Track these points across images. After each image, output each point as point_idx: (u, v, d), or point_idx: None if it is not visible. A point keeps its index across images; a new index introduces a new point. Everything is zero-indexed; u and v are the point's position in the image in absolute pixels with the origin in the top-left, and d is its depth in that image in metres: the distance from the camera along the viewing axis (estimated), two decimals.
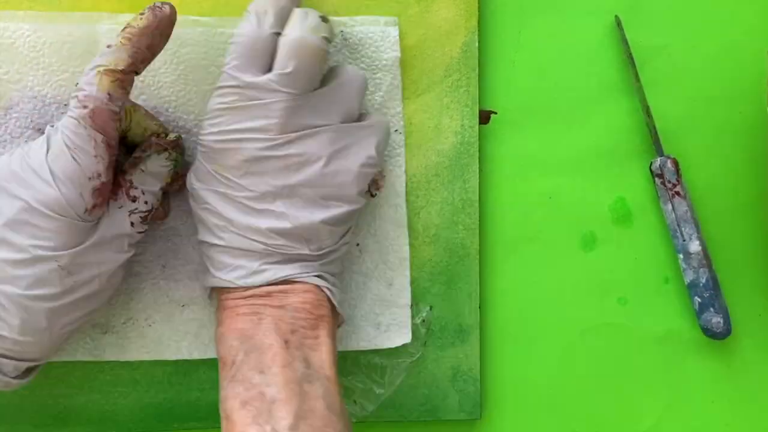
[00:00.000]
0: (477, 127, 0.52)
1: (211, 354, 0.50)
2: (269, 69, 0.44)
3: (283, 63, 0.44)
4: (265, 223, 0.45)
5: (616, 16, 0.53)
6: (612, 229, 0.54)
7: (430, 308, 0.52)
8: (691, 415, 0.55)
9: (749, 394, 0.55)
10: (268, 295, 0.45)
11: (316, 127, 0.45)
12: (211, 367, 0.51)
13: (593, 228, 0.54)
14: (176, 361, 0.51)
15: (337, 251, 0.47)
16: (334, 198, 0.46)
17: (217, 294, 0.47)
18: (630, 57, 0.53)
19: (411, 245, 0.52)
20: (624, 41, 0.53)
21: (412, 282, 0.52)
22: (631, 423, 0.55)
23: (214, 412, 0.44)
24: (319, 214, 0.45)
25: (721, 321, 0.53)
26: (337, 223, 0.46)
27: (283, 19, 0.45)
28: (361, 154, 0.46)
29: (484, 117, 0.53)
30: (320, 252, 0.46)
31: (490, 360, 0.54)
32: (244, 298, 0.45)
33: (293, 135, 0.44)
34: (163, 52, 0.45)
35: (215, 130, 0.45)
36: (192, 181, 0.46)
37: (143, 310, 0.50)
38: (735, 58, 0.53)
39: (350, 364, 0.52)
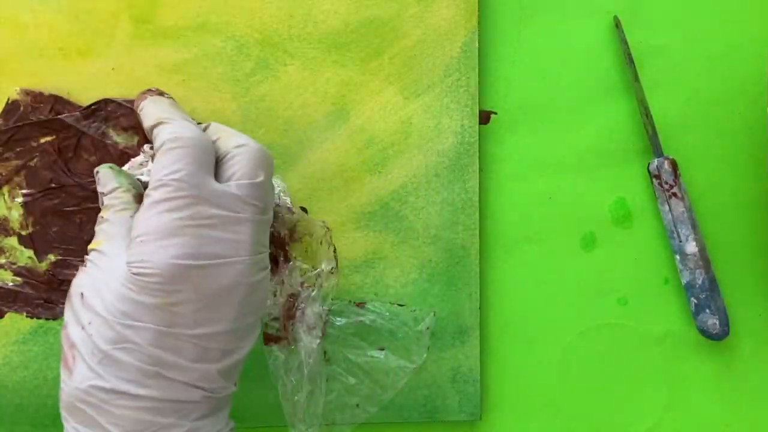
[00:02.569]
0: (477, 127, 0.52)
1: None
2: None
3: (252, 173, 0.40)
4: (215, 363, 0.38)
5: (615, 17, 0.53)
6: (612, 230, 0.54)
7: (434, 314, 0.52)
8: (691, 415, 0.55)
9: (749, 394, 0.55)
10: None
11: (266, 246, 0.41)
12: None
13: (593, 228, 0.54)
14: None
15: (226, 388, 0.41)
16: (255, 313, 0.41)
17: None
18: (629, 57, 0.53)
19: (411, 246, 0.52)
20: (623, 41, 0.53)
21: (412, 282, 0.52)
22: (631, 423, 0.55)
23: None
24: (248, 343, 0.40)
25: (718, 322, 0.53)
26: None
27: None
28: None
29: (484, 117, 0.53)
30: (236, 387, 0.41)
31: (490, 361, 0.54)
32: None
33: (258, 257, 0.40)
34: None
35: (171, 253, 0.37)
36: (96, 299, 0.38)
37: None
38: (735, 58, 0.53)
39: (356, 369, 0.52)
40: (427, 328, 0.52)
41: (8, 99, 0.50)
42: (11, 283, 0.51)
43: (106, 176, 0.42)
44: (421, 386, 0.53)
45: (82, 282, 0.39)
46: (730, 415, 0.55)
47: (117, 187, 0.41)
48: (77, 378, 0.38)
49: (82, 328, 0.38)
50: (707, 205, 0.54)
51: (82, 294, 0.39)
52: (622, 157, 0.54)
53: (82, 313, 0.38)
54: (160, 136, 0.40)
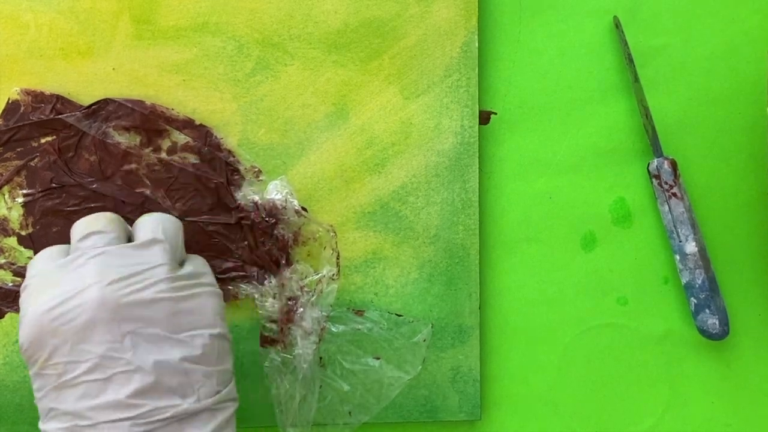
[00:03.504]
0: (477, 127, 0.52)
1: None
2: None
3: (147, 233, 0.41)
4: (119, 390, 0.38)
5: (614, 17, 0.53)
6: (612, 230, 0.54)
7: (431, 326, 0.52)
8: (691, 415, 0.55)
9: (749, 394, 0.55)
10: None
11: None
12: None
13: (593, 228, 0.54)
14: None
15: (224, 408, 0.40)
16: (189, 328, 0.40)
17: None
18: (629, 57, 0.53)
19: (411, 246, 0.52)
20: (623, 41, 0.53)
21: (412, 282, 0.52)
22: (631, 423, 0.55)
23: None
24: (176, 352, 0.39)
25: (717, 322, 0.53)
26: (203, 359, 0.40)
27: None
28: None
29: (484, 117, 0.53)
30: (203, 405, 0.39)
31: (490, 360, 0.54)
32: None
33: (108, 288, 0.39)
34: None
35: (27, 319, 0.39)
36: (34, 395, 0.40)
37: None
38: (735, 58, 0.53)
39: (350, 377, 0.52)
40: (424, 339, 0.52)
41: (9, 99, 0.50)
42: (11, 284, 0.51)
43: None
44: (420, 386, 0.53)
45: None
46: (730, 415, 0.55)
47: None
48: None
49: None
50: (707, 205, 0.54)
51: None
52: (622, 157, 0.54)
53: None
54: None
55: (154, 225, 0.42)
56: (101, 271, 0.39)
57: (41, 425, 0.39)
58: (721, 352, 0.55)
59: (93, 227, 0.41)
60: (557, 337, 0.54)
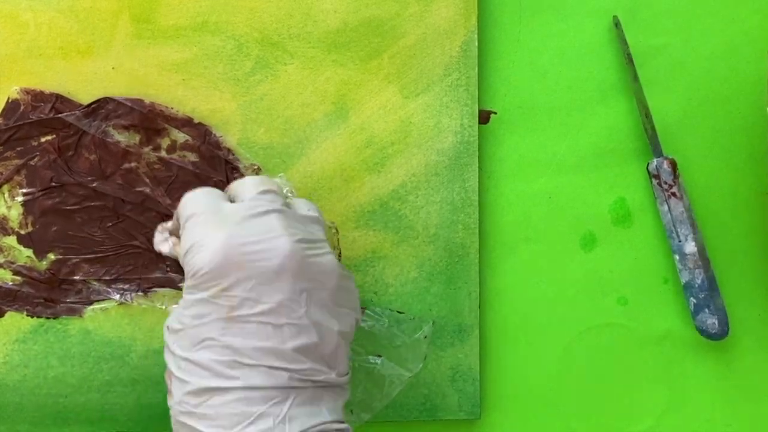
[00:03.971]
0: (476, 126, 0.52)
1: None
2: None
3: (257, 186, 0.43)
4: (288, 340, 0.38)
5: (614, 17, 0.53)
6: (612, 230, 0.54)
7: (433, 323, 0.52)
8: (691, 415, 0.55)
9: (749, 394, 0.55)
10: None
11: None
12: None
13: (593, 228, 0.54)
14: None
15: (347, 390, 0.42)
16: (345, 305, 0.42)
17: None
18: (629, 57, 0.53)
19: (410, 245, 0.52)
20: (623, 41, 0.53)
21: (412, 281, 0.52)
22: (631, 423, 0.55)
23: None
24: (335, 323, 0.40)
25: (717, 322, 0.53)
26: (348, 337, 0.42)
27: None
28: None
29: (484, 117, 0.53)
30: (341, 380, 0.40)
31: (489, 360, 0.54)
32: None
33: (295, 237, 0.40)
34: None
35: (212, 246, 0.40)
36: (175, 322, 0.40)
37: None
38: (735, 58, 0.53)
39: (352, 374, 0.52)
40: (426, 336, 0.52)
41: (8, 98, 0.50)
42: (11, 283, 0.51)
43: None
44: (420, 385, 0.53)
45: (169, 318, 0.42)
46: (730, 415, 0.55)
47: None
48: (174, 397, 0.40)
49: (170, 352, 0.40)
50: (707, 205, 0.54)
51: (167, 326, 0.41)
52: (622, 157, 0.54)
53: (168, 339, 0.41)
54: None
55: (310, 204, 0.44)
56: (287, 225, 0.40)
57: (184, 353, 0.39)
58: (721, 352, 0.55)
59: (269, 185, 0.43)
60: (557, 337, 0.54)
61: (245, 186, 0.43)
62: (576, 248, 0.54)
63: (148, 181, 0.50)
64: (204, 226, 0.41)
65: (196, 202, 0.42)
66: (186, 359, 0.39)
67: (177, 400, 0.39)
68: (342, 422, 0.40)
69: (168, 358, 0.41)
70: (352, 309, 0.43)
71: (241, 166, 0.51)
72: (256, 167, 0.51)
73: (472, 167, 0.52)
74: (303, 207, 0.44)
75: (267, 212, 0.41)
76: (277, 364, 0.38)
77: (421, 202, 0.52)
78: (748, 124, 0.54)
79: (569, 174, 0.54)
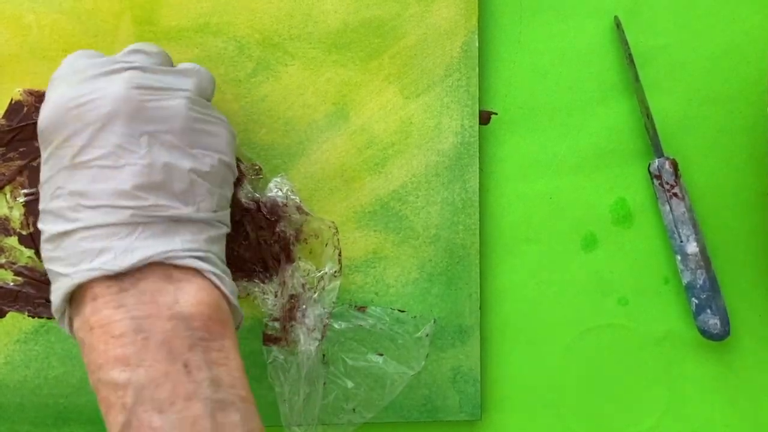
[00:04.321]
0: (477, 126, 0.52)
1: None
2: None
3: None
4: (128, 180, 0.39)
5: (615, 17, 0.53)
6: (612, 230, 0.54)
7: (434, 322, 0.52)
8: (691, 415, 0.55)
9: (749, 395, 0.55)
10: (152, 299, 0.38)
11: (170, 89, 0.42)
12: None
13: (593, 228, 0.54)
14: None
15: (218, 226, 0.42)
16: (202, 147, 0.42)
17: (76, 309, 0.39)
18: (630, 57, 0.53)
19: (411, 245, 0.52)
20: (624, 42, 0.53)
21: (413, 282, 0.52)
22: (631, 423, 0.55)
23: None
24: (187, 162, 0.41)
25: (718, 323, 0.53)
26: (209, 177, 0.42)
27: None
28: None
29: (485, 117, 0.53)
30: (200, 216, 0.41)
31: (490, 360, 0.54)
32: (117, 308, 0.38)
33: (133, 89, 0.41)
34: None
35: (49, 103, 0.41)
36: (42, 176, 0.41)
37: None
38: (735, 58, 0.53)
39: (354, 373, 0.52)
40: (427, 335, 0.52)
41: (11, 100, 0.50)
42: (12, 283, 0.51)
43: None
44: (421, 386, 0.53)
45: None
46: (730, 415, 0.55)
47: None
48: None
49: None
50: (707, 205, 0.54)
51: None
52: (622, 157, 0.54)
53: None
54: None
55: (193, 66, 0.44)
56: (132, 77, 0.41)
57: (42, 205, 0.41)
58: (722, 353, 0.55)
59: (142, 47, 0.43)
60: (558, 338, 0.54)
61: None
62: (577, 249, 0.54)
63: None
64: (54, 85, 0.42)
65: (64, 61, 0.43)
66: (43, 210, 0.41)
67: (41, 250, 0.41)
68: (202, 252, 0.40)
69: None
70: (215, 151, 0.42)
71: (242, 165, 0.51)
72: (257, 167, 0.51)
73: (472, 168, 0.52)
74: (184, 65, 0.44)
75: (117, 69, 0.41)
76: (118, 203, 0.39)
77: (422, 202, 0.52)
78: (748, 124, 0.54)
79: (570, 174, 0.54)
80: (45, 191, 0.41)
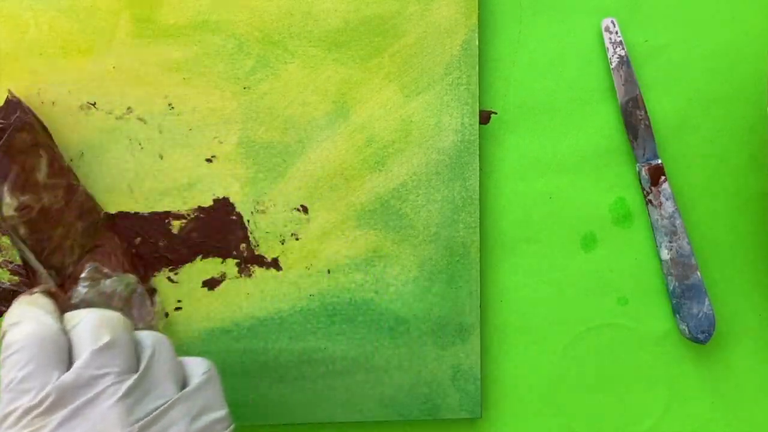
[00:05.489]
0: (477, 125, 0.52)
1: None
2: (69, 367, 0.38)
3: (94, 338, 0.38)
4: None
5: (603, 21, 0.52)
6: (612, 229, 0.54)
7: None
8: (691, 415, 0.55)
9: (749, 394, 0.55)
10: None
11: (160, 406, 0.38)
12: None
13: (593, 228, 0.54)
14: None
15: None
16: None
17: None
18: (621, 59, 0.53)
19: (411, 244, 0.52)
20: (613, 44, 0.52)
21: (413, 280, 0.52)
22: (631, 423, 0.54)
23: None
24: None
25: (687, 328, 0.53)
26: None
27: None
28: (215, 413, 0.40)
29: (484, 117, 0.53)
30: None
31: (490, 359, 0.54)
32: None
33: (146, 422, 0.37)
34: None
35: None
36: None
37: None
38: (735, 58, 0.54)
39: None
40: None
41: (8, 97, 0.50)
42: (8, 283, 0.51)
43: None
44: (421, 384, 0.53)
45: None
46: (730, 415, 0.55)
47: None
48: None
49: None
50: (707, 205, 0.54)
51: None
52: (622, 157, 0.54)
53: None
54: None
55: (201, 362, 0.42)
56: (125, 412, 0.37)
57: None
58: (721, 353, 0.55)
59: (110, 333, 0.39)
60: (557, 337, 0.54)
61: (80, 334, 0.39)
62: (576, 248, 0.54)
63: None
64: (10, 372, 0.37)
65: (23, 348, 0.38)
66: None
67: None
68: None
69: None
70: None
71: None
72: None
73: (473, 166, 0.52)
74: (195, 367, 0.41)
75: (99, 394, 0.37)
76: None
77: (422, 200, 0.52)
78: (748, 124, 0.54)
79: (570, 174, 0.54)
80: None
